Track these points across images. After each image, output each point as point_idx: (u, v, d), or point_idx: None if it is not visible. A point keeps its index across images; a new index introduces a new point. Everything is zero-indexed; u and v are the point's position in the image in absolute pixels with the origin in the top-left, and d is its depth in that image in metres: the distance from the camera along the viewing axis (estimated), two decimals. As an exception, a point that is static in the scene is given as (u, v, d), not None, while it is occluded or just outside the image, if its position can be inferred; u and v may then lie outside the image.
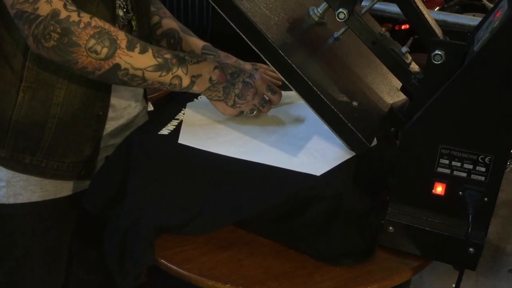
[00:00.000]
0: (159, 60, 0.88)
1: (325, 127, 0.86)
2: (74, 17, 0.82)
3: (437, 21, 0.93)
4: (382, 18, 2.38)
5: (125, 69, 0.86)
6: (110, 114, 1.02)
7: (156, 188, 0.86)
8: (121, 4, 0.98)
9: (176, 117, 0.98)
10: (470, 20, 2.16)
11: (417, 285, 2.09)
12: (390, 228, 0.82)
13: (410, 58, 0.92)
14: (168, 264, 0.82)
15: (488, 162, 0.75)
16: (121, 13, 0.98)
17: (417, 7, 0.85)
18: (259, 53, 0.81)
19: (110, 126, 1.04)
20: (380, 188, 0.90)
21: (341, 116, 0.82)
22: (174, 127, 0.95)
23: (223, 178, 0.83)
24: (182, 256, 0.83)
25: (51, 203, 1.00)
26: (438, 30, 0.88)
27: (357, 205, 0.81)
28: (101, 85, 0.96)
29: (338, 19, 0.88)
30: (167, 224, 0.85)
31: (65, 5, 0.82)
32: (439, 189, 0.78)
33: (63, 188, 1.01)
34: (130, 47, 0.86)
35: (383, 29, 0.99)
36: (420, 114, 0.76)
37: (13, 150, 0.94)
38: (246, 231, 0.88)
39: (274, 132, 0.95)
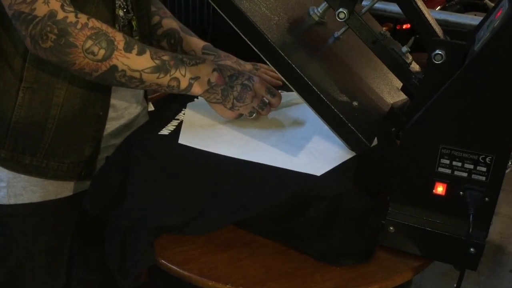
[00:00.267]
0: (157, 62, 0.88)
1: (325, 127, 0.86)
2: (71, 18, 0.82)
3: (438, 20, 0.93)
4: (383, 17, 2.38)
5: (122, 70, 0.86)
6: (111, 114, 1.02)
7: (156, 188, 0.85)
8: (121, 4, 0.98)
9: (176, 117, 0.98)
10: (472, 19, 2.15)
11: (418, 285, 2.08)
12: (391, 228, 0.82)
13: (410, 57, 0.92)
14: (169, 264, 0.82)
15: (489, 162, 0.75)
16: (121, 13, 0.98)
17: (417, 6, 0.84)
18: (259, 53, 0.81)
19: (111, 126, 1.04)
20: (381, 188, 0.90)
21: (341, 116, 0.82)
22: (175, 127, 0.95)
23: (223, 178, 0.83)
24: (182, 256, 0.83)
25: (51, 204, 1.00)
26: (438, 30, 0.87)
27: (358, 205, 0.81)
28: (101, 86, 0.96)
29: (338, 19, 0.88)
30: (168, 224, 0.85)
31: (62, 6, 0.82)
32: (440, 189, 0.78)
33: (64, 189, 1.01)
34: (128, 48, 0.86)
35: (384, 28, 0.98)
36: (420, 114, 0.76)
37: (13, 150, 0.94)
38: (246, 231, 0.88)
39: (274, 132, 0.95)
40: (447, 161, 0.77)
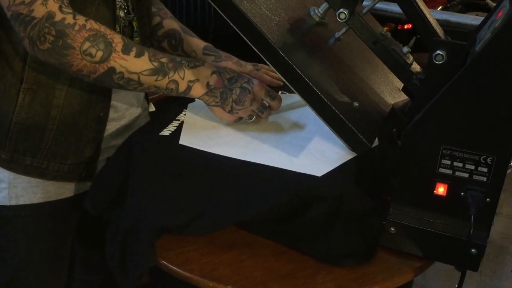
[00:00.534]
0: (155, 64, 0.87)
1: (326, 128, 0.86)
2: (69, 19, 0.82)
3: (439, 20, 0.93)
4: (384, 17, 2.38)
5: (120, 72, 0.85)
6: (112, 115, 1.02)
7: (157, 189, 0.85)
8: (122, 5, 0.98)
9: (177, 118, 0.98)
10: (473, 19, 2.15)
11: (420, 285, 2.08)
12: (392, 228, 0.82)
13: (411, 58, 0.92)
14: (169, 265, 0.82)
15: (490, 163, 0.74)
16: (122, 14, 0.98)
17: (418, 7, 0.84)
18: (259, 54, 0.81)
19: (112, 127, 1.04)
20: (382, 188, 0.90)
21: (342, 117, 0.82)
22: (175, 128, 0.95)
23: (224, 179, 0.83)
24: (183, 257, 0.83)
25: (53, 205, 1.00)
26: (439, 30, 0.87)
27: (359, 205, 0.81)
28: (101, 87, 0.96)
29: (339, 19, 0.88)
30: (168, 225, 0.85)
31: (60, 8, 0.82)
32: (441, 189, 0.78)
33: (65, 190, 1.01)
34: (126, 50, 0.85)
35: (385, 29, 0.98)
36: (421, 114, 0.76)
37: (13, 151, 0.94)
38: (248, 232, 0.88)
39: (275, 133, 0.95)
40: (448, 162, 0.76)
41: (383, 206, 0.84)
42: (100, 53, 0.83)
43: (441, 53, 0.78)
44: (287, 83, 0.83)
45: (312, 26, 0.96)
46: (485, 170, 0.75)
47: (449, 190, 0.78)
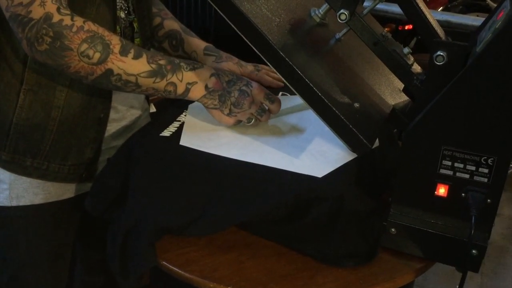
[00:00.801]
0: (153, 66, 0.87)
1: (326, 129, 0.86)
2: (67, 21, 0.81)
3: (440, 21, 0.93)
4: (385, 18, 2.38)
5: (118, 74, 0.85)
6: (113, 115, 1.02)
7: (158, 190, 0.85)
8: (122, 6, 0.98)
9: (177, 119, 0.98)
10: (474, 20, 2.15)
11: (421, 286, 2.08)
12: (393, 229, 0.82)
13: (412, 59, 0.92)
14: (170, 266, 0.82)
15: (491, 164, 0.74)
16: (122, 15, 0.98)
17: (419, 8, 0.84)
18: (260, 55, 0.81)
19: (113, 127, 1.04)
20: (382, 189, 0.90)
21: (342, 118, 0.82)
22: (176, 129, 0.95)
23: (225, 180, 0.83)
24: (183, 258, 0.83)
25: (54, 205, 1.00)
26: (440, 31, 0.87)
27: (359, 206, 0.81)
28: (102, 88, 0.96)
29: (339, 20, 0.87)
30: (169, 225, 0.85)
31: (58, 9, 0.81)
32: (441, 190, 0.78)
33: (66, 190, 1.01)
34: (124, 52, 0.85)
35: (386, 29, 0.98)
36: (422, 115, 0.76)
37: (14, 152, 0.94)
38: (248, 233, 0.88)
39: (276, 134, 0.95)
40: (449, 163, 0.76)
41: (384, 207, 0.84)
42: (97, 55, 0.83)
43: (441, 54, 0.78)
44: (287, 84, 0.83)
45: (313, 27, 0.96)
46: (486, 171, 0.75)
47: (450, 191, 0.78)
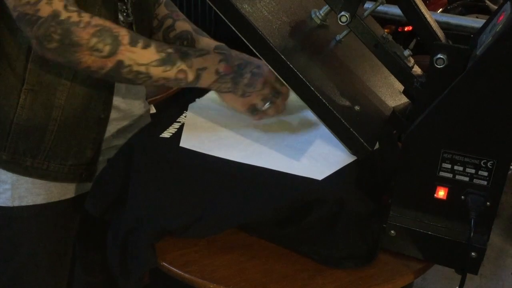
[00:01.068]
0: (163, 54, 0.87)
1: (326, 131, 0.86)
2: (75, 17, 0.82)
3: (440, 23, 0.93)
4: (385, 19, 2.38)
5: (129, 65, 0.85)
6: (113, 115, 1.02)
7: (158, 191, 0.86)
8: (121, 8, 0.98)
9: (177, 120, 0.98)
10: (473, 22, 2.16)
11: (420, 287, 2.08)
12: (392, 231, 0.82)
13: (412, 61, 0.92)
14: (170, 267, 0.82)
15: (491, 167, 0.75)
16: (121, 17, 0.98)
17: (419, 10, 0.84)
18: (260, 57, 0.81)
19: (113, 127, 1.04)
20: (382, 191, 0.90)
21: (343, 121, 0.82)
22: (176, 130, 0.95)
23: (225, 182, 0.83)
24: (183, 259, 0.83)
25: (55, 206, 1.00)
26: (440, 33, 0.87)
27: (359, 209, 0.81)
28: (103, 87, 0.96)
29: (340, 22, 0.88)
30: (169, 227, 0.85)
31: (65, 6, 0.82)
32: (441, 193, 0.78)
33: (67, 190, 1.01)
34: (133, 42, 0.85)
35: (385, 31, 0.98)
36: (422, 118, 0.76)
37: (14, 153, 0.94)
38: (248, 234, 0.88)
39: (276, 136, 0.95)
40: (449, 166, 0.77)
41: (383, 209, 0.84)
42: (107, 47, 0.83)
43: (442, 57, 0.78)
44: (288, 86, 0.83)
45: (313, 29, 0.96)
46: (485, 174, 0.75)
47: (449, 194, 0.78)
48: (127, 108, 1.05)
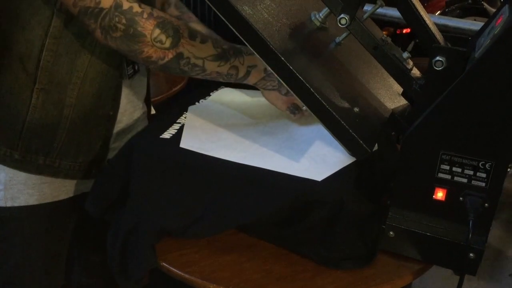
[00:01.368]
0: (218, 50, 0.90)
1: (326, 132, 0.86)
2: (136, 8, 0.84)
3: (438, 25, 0.93)
4: (383, 22, 2.38)
5: (187, 58, 0.87)
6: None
7: (158, 192, 0.86)
8: None
9: (177, 121, 0.99)
10: (471, 24, 2.16)
11: (418, 288, 2.09)
12: (391, 232, 0.82)
13: (411, 63, 0.93)
14: (170, 267, 0.82)
15: (489, 168, 0.75)
16: None
17: (418, 12, 0.85)
18: (261, 59, 0.82)
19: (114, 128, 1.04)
20: (381, 193, 0.91)
21: (342, 122, 0.82)
22: (176, 131, 0.95)
23: (225, 183, 0.84)
24: (183, 259, 0.83)
25: (49, 206, 1.00)
26: (439, 35, 0.88)
27: (358, 210, 0.81)
28: (112, 85, 0.96)
29: (339, 25, 0.88)
30: (169, 227, 0.85)
31: None
32: (439, 194, 0.79)
33: (60, 192, 1.01)
34: (192, 36, 0.88)
35: (384, 33, 0.99)
36: (421, 119, 0.76)
37: (26, 151, 0.94)
38: (247, 235, 0.88)
39: (276, 137, 0.96)
40: (447, 167, 0.77)
41: (382, 210, 0.84)
42: (170, 40, 0.85)
43: (440, 59, 0.78)
44: (288, 88, 0.83)
45: (313, 31, 0.97)
46: (484, 175, 0.76)
47: (448, 195, 0.78)
48: (123, 111, 1.05)
